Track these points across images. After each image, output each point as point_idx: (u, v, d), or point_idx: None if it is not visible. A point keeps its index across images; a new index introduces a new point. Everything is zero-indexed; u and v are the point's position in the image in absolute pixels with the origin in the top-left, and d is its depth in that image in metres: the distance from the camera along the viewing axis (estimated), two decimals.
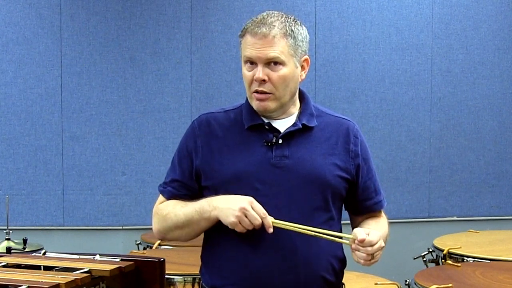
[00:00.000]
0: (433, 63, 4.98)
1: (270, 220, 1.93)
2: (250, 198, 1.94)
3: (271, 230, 1.93)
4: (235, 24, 4.67)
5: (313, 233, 1.97)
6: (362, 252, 1.93)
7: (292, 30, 2.02)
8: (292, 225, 1.96)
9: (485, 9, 5.01)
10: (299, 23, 2.06)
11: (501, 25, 5.04)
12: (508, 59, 5.06)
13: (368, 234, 1.93)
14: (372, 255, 1.93)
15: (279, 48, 1.99)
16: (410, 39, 4.94)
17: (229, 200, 1.96)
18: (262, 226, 1.93)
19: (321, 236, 1.97)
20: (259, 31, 1.99)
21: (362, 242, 1.92)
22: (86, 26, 4.66)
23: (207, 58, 4.76)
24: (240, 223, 1.92)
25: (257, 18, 2.04)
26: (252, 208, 1.92)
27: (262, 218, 1.92)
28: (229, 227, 1.95)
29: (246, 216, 1.91)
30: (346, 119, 2.16)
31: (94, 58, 4.67)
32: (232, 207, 1.93)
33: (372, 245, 1.92)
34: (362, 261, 1.94)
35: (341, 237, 1.99)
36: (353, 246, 1.94)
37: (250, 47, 2.00)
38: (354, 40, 4.89)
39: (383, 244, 1.96)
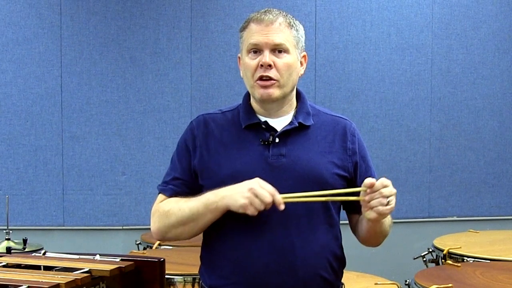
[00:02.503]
0: (433, 63, 4.98)
1: (280, 197, 1.90)
2: (257, 179, 1.92)
3: (282, 206, 1.90)
4: (235, 24, 4.67)
5: (323, 198, 1.97)
6: (377, 197, 1.89)
7: (294, 23, 2.07)
8: (302, 196, 1.95)
9: (485, 9, 5.01)
10: (298, 21, 2.11)
11: (501, 25, 5.04)
12: (508, 59, 5.06)
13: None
14: (388, 200, 1.90)
15: (284, 36, 2.03)
16: (410, 39, 4.94)
17: (236, 186, 1.94)
18: (272, 206, 1.90)
19: (333, 199, 1.97)
20: (266, 18, 2.02)
21: (372, 186, 1.89)
22: (86, 26, 4.66)
23: (207, 58, 4.77)
24: (251, 204, 1.89)
25: (259, 11, 2.07)
26: (261, 187, 1.90)
27: (272, 195, 1.90)
28: (240, 210, 1.91)
29: (256, 196, 1.89)
30: (342, 117, 2.16)
31: (94, 58, 4.68)
32: (241, 190, 1.91)
33: (385, 186, 1.90)
34: (380, 208, 1.90)
35: (353, 194, 1.97)
36: (367, 197, 1.91)
37: (256, 34, 2.02)
38: (354, 40, 4.89)
39: (395, 190, 1.93)
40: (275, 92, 2.03)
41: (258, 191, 1.89)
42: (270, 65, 2.00)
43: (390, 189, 1.91)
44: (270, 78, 2.01)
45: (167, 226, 2.06)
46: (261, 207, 1.89)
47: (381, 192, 1.90)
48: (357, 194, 1.96)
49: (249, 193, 1.89)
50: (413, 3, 4.94)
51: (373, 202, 1.91)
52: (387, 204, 1.91)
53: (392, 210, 1.94)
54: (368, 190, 1.91)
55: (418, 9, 4.95)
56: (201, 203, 1.99)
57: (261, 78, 2.02)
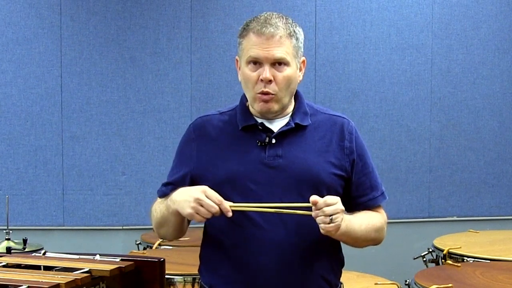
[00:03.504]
0: (433, 63, 4.98)
1: (227, 205, 1.92)
2: (204, 187, 1.94)
3: (230, 214, 1.92)
4: (235, 24, 4.67)
5: (273, 210, 1.95)
6: (320, 215, 1.88)
7: (294, 31, 2.04)
8: (251, 206, 1.96)
9: (485, 9, 5.01)
10: (297, 25, 2.08)
11: (501, 25, 5.04)
12: (508, 59, 5.06)
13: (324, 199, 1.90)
14: (330, 218, 1.88)
15: (285, 49, 2.01)
16: (410, 39, 4.94)
17: (184, 192, 1.97)
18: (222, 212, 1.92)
19: (282, 212, 1.95)
20: (267, 31, 1.99)
21: (315, 204, 1.88)
22: (86, 26, 4.66)
23: (207, 58, 4.76)
24: (197, 213, 1.92)
25: (259, 18, 2.04)
26: (207, 196, 1.91)
27: (218, 205, 1.91)
28: (188, 218, 1.98)
29: (202, 206, 1.91)
30: (340, 116, 2.16)
31: (94, 58, 4.68)
32: (187, 199, 1.93)
33: (328, 205, 1.88)
34: (322, 225, 1.89)
35: (302, 208, 1.94)
36: (313, 213, 1.90)
37: (256, 47, 2.00)
38: (354, 40, 4.89)
39: (341, 207, 1.91)
40: (274, 106, 2.04)
41: (203, 201, 1.91)
42: (270, 80, 2.00)
43: (334, 208, 1.89)
44: (270, 93, 2.02)
45: (155, 227, 2.17)
46: (208, 216, 1.92)
47: (323, 210, 1.88)
48: (310, 208, 1.93)
49: (194, 204, 1.91)
50: (413, 3, 4.94)
51: (317, 219, 1.90)
52: (330, 222, 1.88)
53: (337, 228, 1.90)
54: (313, 207, 1.90)
55: (418, 9, 4.95)
56: (165, 207, 2.06)
57: (261, 93, 2.02)
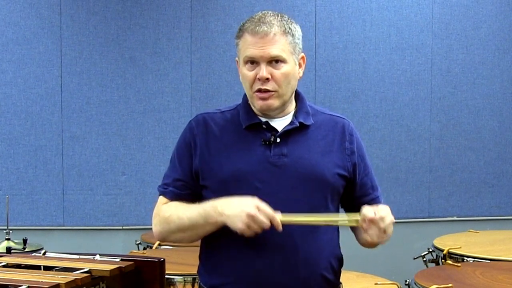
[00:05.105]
0: (433, 63, 4.98)
1: (278, 220, 1.90)
2: (256, 201, 1.90)
3: (280, 228, 1.91)
4: (235, 24, 4.66)
5: (323, 223, 1.97)
6: (374, 229, 1.92)
7: (290, 28, 2.04)
8: (300, 218, 1.95)
9: (485, 9, 5.01)
10: (294, 22, 2.08)
11: (501, 25, 5.04)
12: (508, 59, 5.06)
13: (376, 212, 1.92)
14: (384, 230, 1.93)
15: (280, 46, 2.01)
16: (410, 39, 4.94)
17: (234, 205, 1.92)
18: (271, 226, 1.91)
19: (331, 224, 1.98)
20: (260, 30, 2.00)
21: (372, 221, 1.91)
22: (86, 26, 4.66)
23: (207, 58, 4.77)
24: (248, 229, 1.89)
25: (253, 18, 2.04)
26: (259, 211, 1.89)
27: (270, 220, 1.89)
28: (238, 232, 1.92)
29: (254, 222, 1.88)
30: (340, 117, 2.17)
31: (94, 58, 4.68)
32: (240, 214, 1.89)
33: (383, 219, 1.92)
34: (375, 238, 1.94)
35: (351, 221, 1.97)
36: (365, 226, 1.92)
37: (251, 46, 2.01)
38: (354, 40, 4.89)
39: (393, 218, 1.96)
40: (274, 102, 2.04)
41: (257, 218, 1.88)
42: (267, 79, 2.00)
43: (389, 221, 1.94)
44: (269, 90, 2.01)
45: (167, 231, 2.08)
46: (259, 231, 1.90)
47: (379, 225, 1.92)
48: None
49: (247, 220, 1.88)
50: (413, 3, 4.94)
51: (370, 232, 1.93)
52: (384, 232, 1.94)
53: (389, 237, 1.97)
54: (367, 220, 1.91)
55: (418, 9, 4.95)
56: (199, 215, 1.99)
57: (259, 91, 2.02)
